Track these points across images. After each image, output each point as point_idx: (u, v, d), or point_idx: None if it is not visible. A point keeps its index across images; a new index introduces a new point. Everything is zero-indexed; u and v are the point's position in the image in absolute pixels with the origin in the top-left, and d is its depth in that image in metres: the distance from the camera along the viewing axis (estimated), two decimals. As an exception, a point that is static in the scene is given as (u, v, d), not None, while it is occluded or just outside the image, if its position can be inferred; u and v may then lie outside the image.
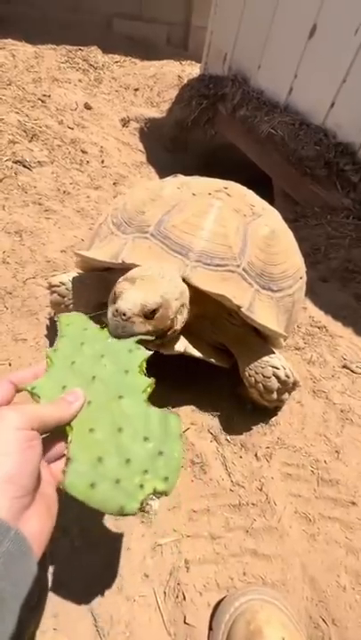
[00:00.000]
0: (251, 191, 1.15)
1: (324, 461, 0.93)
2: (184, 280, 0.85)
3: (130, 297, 0.70)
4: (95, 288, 1.02)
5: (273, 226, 1.04)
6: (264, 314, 0.92)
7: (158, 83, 3.71)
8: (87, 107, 2.97)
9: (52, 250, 1.39)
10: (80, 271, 1.09)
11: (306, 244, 1.90)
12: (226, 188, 1.06)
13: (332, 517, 0.83)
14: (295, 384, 0.96)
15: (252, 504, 0.83)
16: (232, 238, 0.94)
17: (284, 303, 1.01)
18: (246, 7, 2.71)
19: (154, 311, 0.71)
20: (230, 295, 0.86)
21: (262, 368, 0.92)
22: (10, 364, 0.99)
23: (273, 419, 1.02)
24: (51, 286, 1.02)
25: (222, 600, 0.67)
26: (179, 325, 0.82)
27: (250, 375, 0.93)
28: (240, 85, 2.86)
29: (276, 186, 2.59)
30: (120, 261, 0.90)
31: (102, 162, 2.39)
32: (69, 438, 0.48)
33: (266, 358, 0.93)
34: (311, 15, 2.19)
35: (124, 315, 0.67)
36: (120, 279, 0.78)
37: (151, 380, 0.55)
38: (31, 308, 1.15)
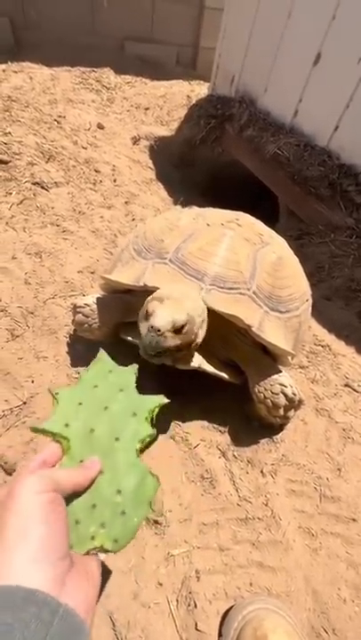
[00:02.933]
0: (260, 221, 1.23)
1: (327, 479, 0.98)
2: None
3: (162, 315, 0.78)
4: (116, 309, 1.11)
5: (280, 253, 1.12)
6: (273, 333, 0.99)
7: (168, 102, 3.85)
8: (100, 126, 3.10)
9: (69, 271, 1.48)
10: (101, 292, 1.17)
11: (310, 263, 1.97)
12: (237, 219, 1.14)
13: (333, 533, 0.88)
14: (300, 402, 1.02)
15: (259, 518, 0.88)
16: (243, 264, 1.02)
17: (291, 324, 1.07)
18: (253, 34, 2.84)
19: (182, 327, 0.80)
20: (242, 316, 0.94)
21: (271, 385, 0.99)
22: (32, 381, 1.06)
23: (278, 436, 1.07)
24: (76, 307, 1.10)
25: (231, 609, 0.72)
26: (200, 339, 0.90)
27: (259, 392, 0.99)
28: (247, 106, 2.97)
29: (282, 203, 2.67)
30: (142, 284, 0.98)
31: (114, 181, 2.49)
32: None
33: (275, 376, 1.00)
34: (316, 44, 2.30)
35: (159, 330, 0.76)
36: (149, 299, 0.86)
37: (153, 431, 0.57)
38: (51, 327, 1.23)
